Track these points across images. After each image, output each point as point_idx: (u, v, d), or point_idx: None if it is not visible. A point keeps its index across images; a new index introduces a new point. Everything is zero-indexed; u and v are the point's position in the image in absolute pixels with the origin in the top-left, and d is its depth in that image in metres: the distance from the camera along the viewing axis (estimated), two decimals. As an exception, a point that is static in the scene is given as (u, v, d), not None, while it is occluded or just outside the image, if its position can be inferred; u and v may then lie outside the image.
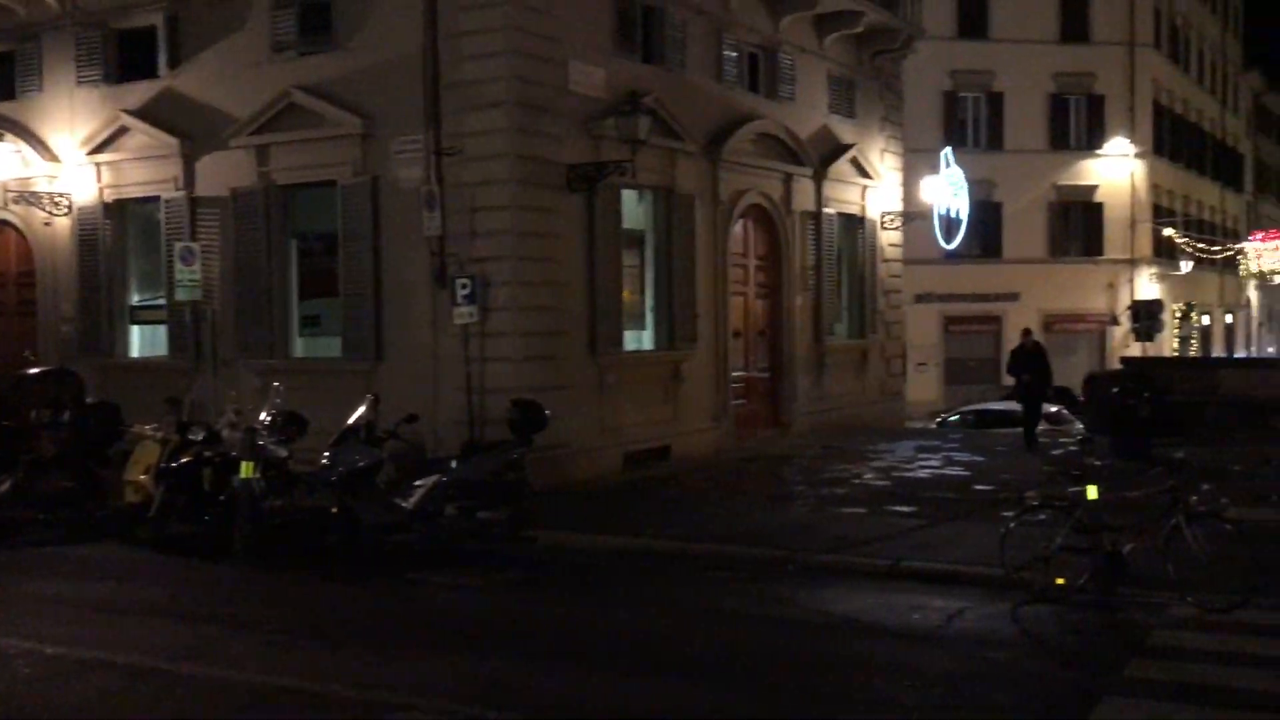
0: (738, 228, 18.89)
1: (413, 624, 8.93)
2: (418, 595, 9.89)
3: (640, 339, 17.09)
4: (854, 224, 21.95)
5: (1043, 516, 9.77)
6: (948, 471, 16.27)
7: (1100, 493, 9.21)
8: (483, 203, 14.44)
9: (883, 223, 22.69)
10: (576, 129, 15.28)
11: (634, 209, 16.92)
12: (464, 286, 14.19)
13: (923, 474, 16.01)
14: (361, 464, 11.15)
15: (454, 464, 11.33)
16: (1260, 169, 58.00)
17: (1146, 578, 8.96)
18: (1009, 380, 20.35)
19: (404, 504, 11.02)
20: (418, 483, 11.11)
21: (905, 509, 13.05)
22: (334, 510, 10.95)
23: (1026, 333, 19.63)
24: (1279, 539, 10.73)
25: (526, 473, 11.34)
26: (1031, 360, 18.50)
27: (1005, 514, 10.34)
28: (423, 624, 8.93)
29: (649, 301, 17.11)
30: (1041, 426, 23.52)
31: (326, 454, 11.31)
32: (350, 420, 11.51)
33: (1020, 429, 19.68)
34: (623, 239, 16.22)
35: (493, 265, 14.40)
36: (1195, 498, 9.57)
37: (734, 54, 18.47)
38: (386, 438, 11.53)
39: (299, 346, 16.57)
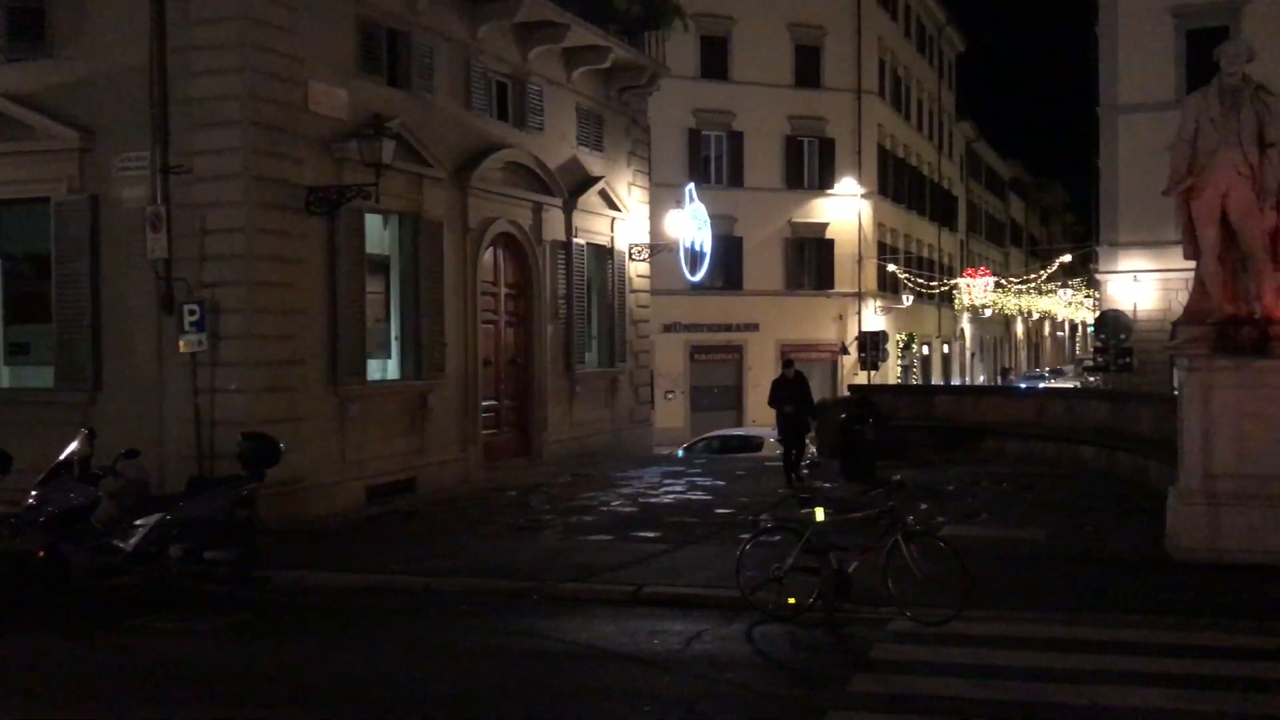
0: (488, 255, 18.82)
1: (131, 676, 8.28)
2: (137, 644, 9.19)
3: (385, 368, 16.68)
4: (603, 254, 22.32)
5: (778, 538, 10.18)
6: (691, 496, 16.71)
7: (827, 514, 9.69)
8: (214, 225, 13.74)
9: (631, 254, 23.19)
10: (318, 151, 14.81)
11: (379, 234, 16.55)
12: (192, 313, 13.43)
13: (668, 499, 16.37)
14: (74, 503, 10.32)
15: (180, 501, 10.66)
16: (972, 210, 63.17)
17: (870, 594, 9.47)
18: (755, 411, 20.96)
19: (122, 545, 10.27)
20: (139, 522, 10.39)
21: (650, 534, 13.29)
22: (40, 554, 10.06)
23: (789, 364, 18.99)
24: (987, 554, 11.61)
25: (258, 510, 10.81)
26: (794, 391, 17.90)
27: (743, 536, 10.69)
28: (142, 675, 8.30)
29: (395, 329, 16.75)
30: (779, 451, 24.63)
31: (34, 493, 10.42)
32: (62, 456, 10.65)
33: (756, 453, 20.43)
34: (367, 265, 15.81)
35: (224, 291, 13.71)
36: (912, 518, 10.22)
37: (483, 82, 18.45)
38: (104, 474, 10.71)
39: (5, 376, 15.23)
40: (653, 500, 16.26)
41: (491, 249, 18.92)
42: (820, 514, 9.53)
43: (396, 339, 16.77)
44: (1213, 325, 11.45)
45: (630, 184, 23.35)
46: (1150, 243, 30.11)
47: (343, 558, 12.11)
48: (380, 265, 16.55)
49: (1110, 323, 28.10)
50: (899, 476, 11.00)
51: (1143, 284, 32.54)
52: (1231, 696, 7.32)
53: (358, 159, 14.65)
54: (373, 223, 16.16)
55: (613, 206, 22.28)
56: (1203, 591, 10.18)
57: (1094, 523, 13.88)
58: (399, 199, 16.15)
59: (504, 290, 19.46)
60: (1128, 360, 27.39)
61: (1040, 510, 14.96)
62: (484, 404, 18.45)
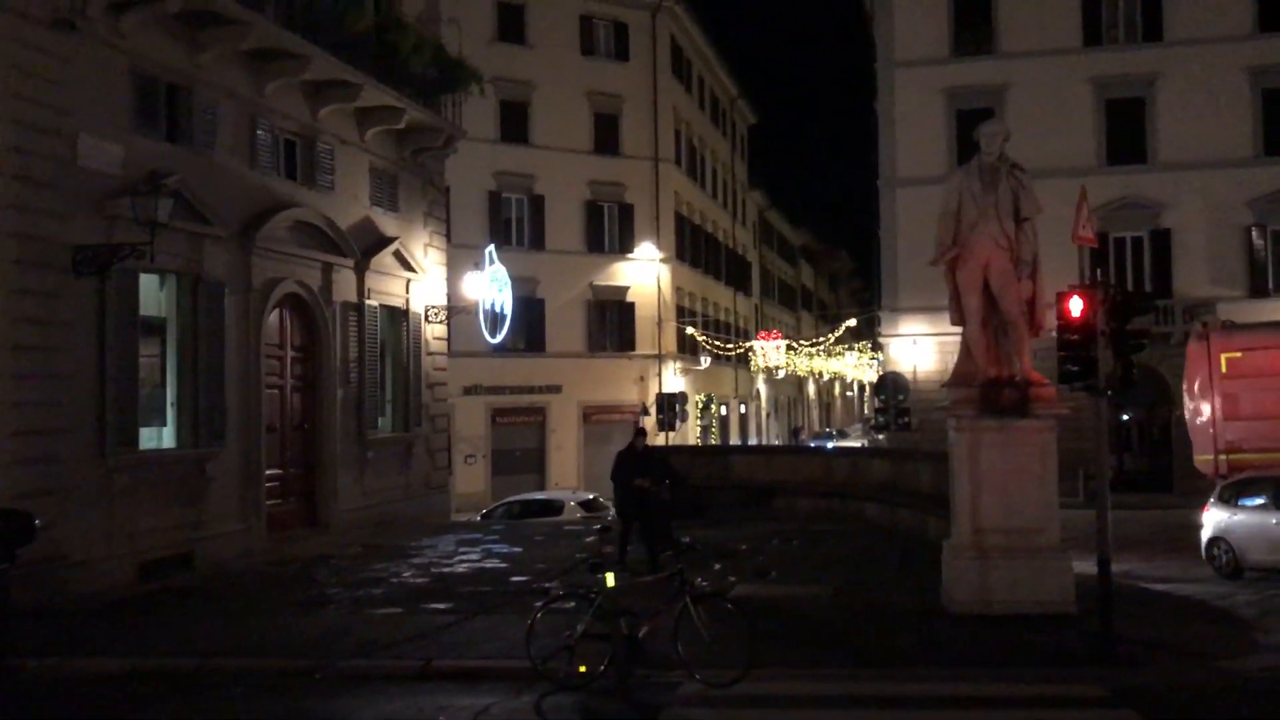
0: (274, 317, 18.15)
1: None
2: None
3: (160, 436, 15.77)
4: (398, 316, 21.90)
5: (571, 605, 10.08)
6: (487, 564, 16.42)
7: (618, 579, 9.67)
8: (-33, 284, 12.74)
9: (427, 316, 22.84)
10: (87, 208, 13.98)
11: (155, 295, 15.73)
12: (-61, 379, 12.37)
13: (462, 568, 16.02)
14: None
15: (-86, 587, 9.70)
16: (765, 275, 65.48)
17: (661, 658, 9.47)
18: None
19: None
20: None
21: (441, 605, 12.95)
22: None
23: (640, 432, 16.01)
24: (776, 612, 11.85)
25: (9, 592, 9.95)
26: (646, 463, 15.33)
27: (536, 604, 10.55)
28: None
29: (171, 395, 15.88)
30: (579, 515, 24.58)
31: None
32: None
33: (557, 518, 20.16)
34: (140, 328, 14.98)
35: (-22, 355, 12.69)
36: (700, 579, 10.32)
37: (270, 139, 17.93)
38: None
39: None
40: (446, 569, 15.88)
41: (278, 310, 18.27)
42: (610, 579, 9.50)
43: (173, 405, 15.90)
44: (978, 387, 12.15)
45: (427, 245, 23.08)
46: (927, 308, 31.82)
47: (107, 640, 11.27)
48: (156, 327, 15.71)
49: (890, 384, 29.48)
50: (689, 539, 11.11)
51: (921, 347, 34.38)
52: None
53: (132, 217, 13.92)
54: (149, 283, 15.35)
55: (408, 267, 21.94)
56: (973, 643, 10.66)
57: (876, 578, 14.39)
58: (177, 258, 15.42)
59: (291, 353, 18.79)
60: (906, 420, 28.74)
61: (827, 567, 15.41)
62: (268, 473, 17.66)
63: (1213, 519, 17.64)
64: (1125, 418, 33.80)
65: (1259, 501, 17.02)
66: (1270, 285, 33.57)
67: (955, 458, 12.32)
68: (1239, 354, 21.95)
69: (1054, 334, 11.65)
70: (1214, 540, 17.39)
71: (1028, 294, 12.24)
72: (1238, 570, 16.86)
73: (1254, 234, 33.54)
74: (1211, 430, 21.74)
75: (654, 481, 15.11)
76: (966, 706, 8.68)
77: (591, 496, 26.70)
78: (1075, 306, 10.71)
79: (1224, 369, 21.91)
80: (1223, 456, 21.37)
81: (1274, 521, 16.44)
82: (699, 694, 9.11)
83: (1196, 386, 22.44)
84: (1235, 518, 17.07)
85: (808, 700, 8.94)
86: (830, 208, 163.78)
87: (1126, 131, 34.20)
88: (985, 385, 12.10)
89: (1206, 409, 21.98)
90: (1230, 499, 17.51)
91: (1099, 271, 11.01)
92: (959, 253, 12.30)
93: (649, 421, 37.58)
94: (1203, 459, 22.14)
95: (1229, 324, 24.06)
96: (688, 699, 9.05)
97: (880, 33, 36.49)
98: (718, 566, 15.00)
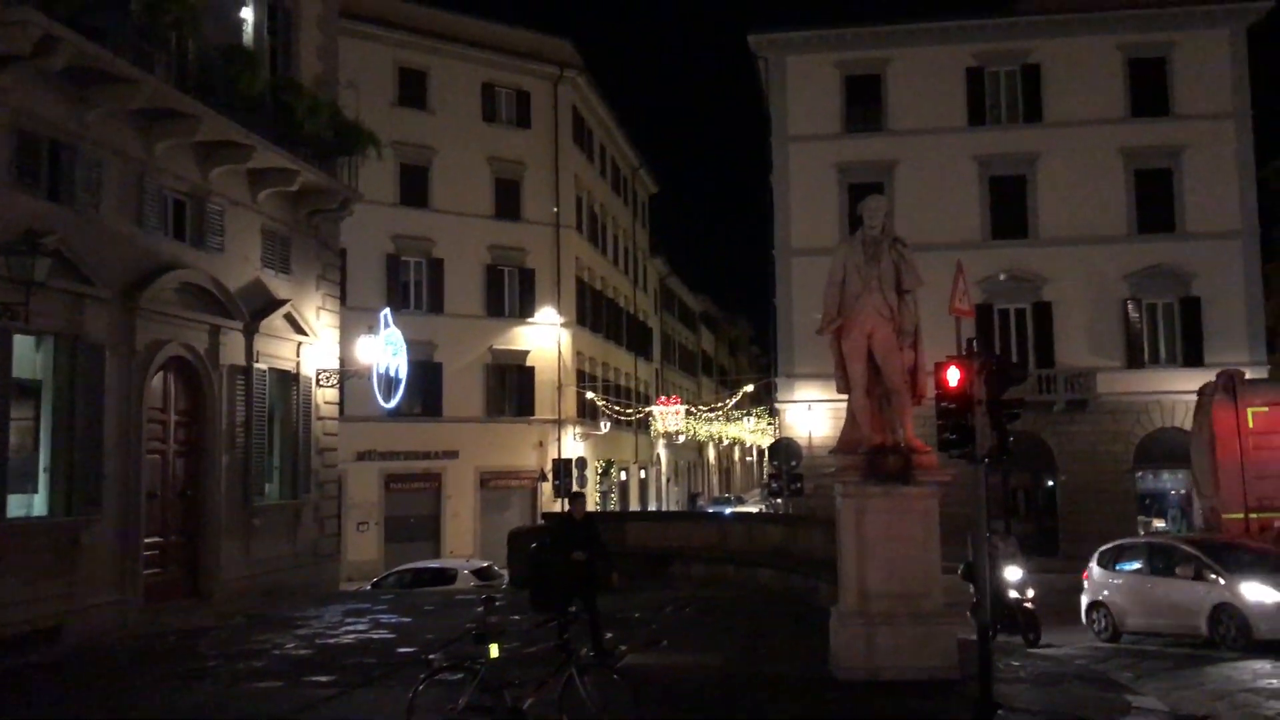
0: (157, 380, 17.66)
1: None
2: None
3: (31, 504, 15.13)
4: (288, 380, 21.48)
5: (457, 677, 9.87)
6: (374, 635, 16.02)
7: (502, 650, 9.51)
8: None
9: (318, 380, 22.45)
10: (-41, 266, 13.49)
11: (30, 356, 15.19)
12: None
13: (348, 639, 15.61)
14: None
15: None
16: (666, 341, 66.04)
17: (545, 730, 9.31)
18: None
19: None
20: None
21: (324, 678, 12.57)
22: None
23: (576, 498, 14.48)
24: (665, 681, 11.78)
25: None
26: (584, 533, 13.59)
27: (420, 676, 10.30)
28: None
29: (44, 460, 15.27)
30: (473, 583, 24.19)
31: None
32: None
33: (450, 586, 19.71)
34: (12, 390, 14.43)
35: None
36: (585, 649, 10.22)
37: (158, 199, 17.56)
38: None
39: None
40: (331, 640, 15.46)
41: (162, 373, 17.79)
42: (494, 650, 9.35)
43: (46, 470, 15.28)
44: (863, 454, 12.37)
45: (320, 308, 22.76)
46: (822, 374, 32.34)
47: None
48: (30, 390, 15.15)
49: (783, 450, 29.85)
50: (573, 608, 11.01)
51: (816, 413, 34.94)
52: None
53: (7, 275, 13.47)
54: (22, 344, 14.82)
55: (299, 330, 21.58)
56: (859, 711, 10.72)
57: (767, 645, 14.42)
58: (55, 319, 14.95)
59: (175, 417, 18.26)
60: (799, 485, 29.10)
61: (718, 634, 15.40)
62: (147, 541, 17.04)
63: (1092, 583, 18.15)
64: (1012, 484, 34.70)
65: (1135, 566, 17.57)
66: (1145, 357, 35.05)
67: (842, 524, 12.49)
68: (1265, 409, 21.52)
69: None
70: (1094, 605, 17.88)
71: (910, 363, 12.56)
72: (1116, 634, 17.32)
73: (1129, 307, 35.05)
74: (1241, 487, 21.10)
75: (592, 555, 13.31)
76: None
77: (486, 564, 26.38)
78: (953, 377, 11.01)
79: (1251, 424, 21.43)
80: (1253, 515, 20.83)
81: (1149, 586, 16.96)
82: (583, 766, 8.98)
83: (1217, 442, 21.70)
84: (1114, 581, 17.57)
85: (693, 771, 8.88)
86: (730, 276, 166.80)
87: (1009, 207, 35.65)
88: (870, 452, 12.33)
89: (1232, 465, 21.35)
90: (1108, 563, 18.05)
91: (973, 343, 11.33)
92: (843, 322, 12.59)
93: (548, 486, 37.35)
94: (1231, 517, 21.31)
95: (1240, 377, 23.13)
96: (572, 772, 8.91)
97: (775, 109, 37.53)
98: (609, 635, 14.87)
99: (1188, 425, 33.87)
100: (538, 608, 17.06)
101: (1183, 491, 35.41)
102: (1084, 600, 18.05)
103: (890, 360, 12.46)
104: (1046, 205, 35.43)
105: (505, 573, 24.86)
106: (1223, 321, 34.26)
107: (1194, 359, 34.19)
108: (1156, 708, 11.30)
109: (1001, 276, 34.84)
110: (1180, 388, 34.51)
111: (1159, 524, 33.53)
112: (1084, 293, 34.91)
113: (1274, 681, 13.11)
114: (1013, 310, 35.39)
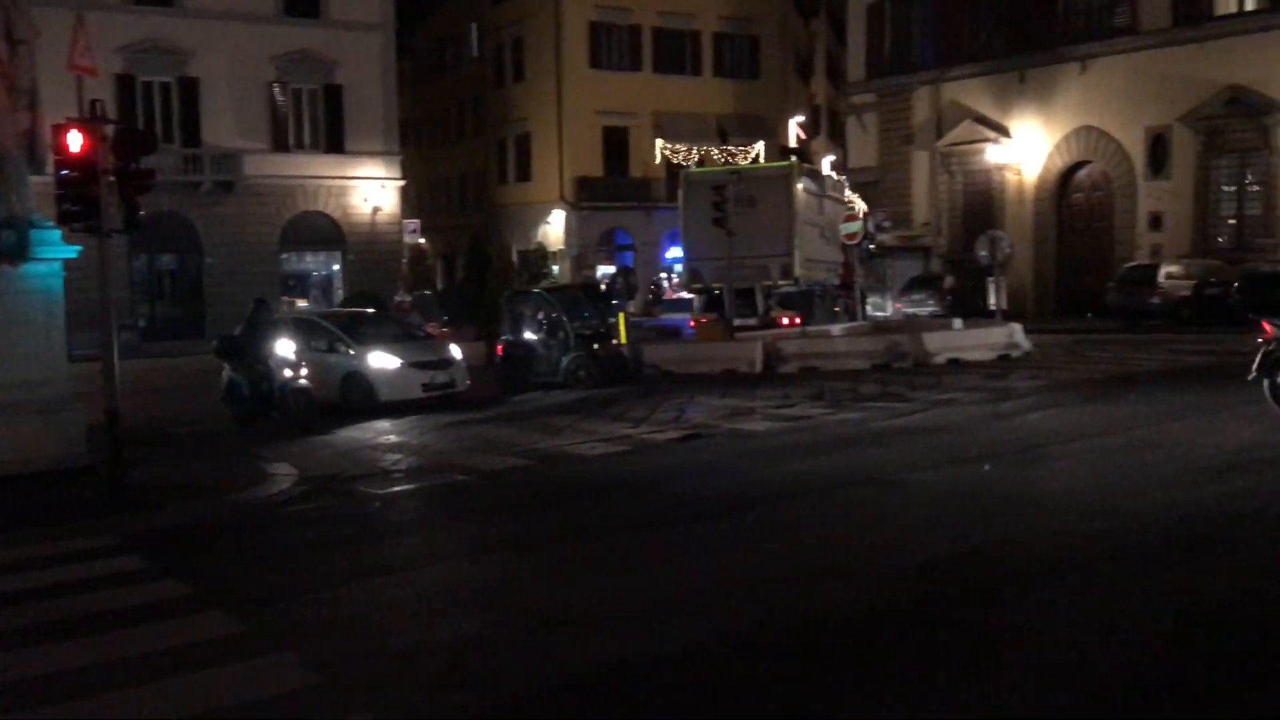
0: None
1: None
2: None
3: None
4: None
5: None
6: None
7: None
8: None
9: None
10: None
11: None
12: None
13: None
14: None
15: None
16: None
17: None
18: None
19: None
20: None
21: None
22: None
23: None
24: None
25: None
26: None
27: None
28: None
29: None
30: None
31: None
32: None
33: None
34: None
35: None
36: None
37: None
38: None
39: None
40: None
41: None
42: None
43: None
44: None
45: None
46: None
47: None
48: None
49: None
50: None
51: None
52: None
53: None
54: None
55: None
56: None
57: None
58: None
59: None
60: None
61: None
62: None
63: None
64: (158, 266, 33.65)
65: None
66: (291, 141, 35.79)
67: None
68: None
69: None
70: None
71: (26, 126, 11.11)
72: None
73: (276, 90, 35.24)
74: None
75: None
76: None
77: None
78: (74, 141, 9.90)
79: None
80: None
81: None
82: None
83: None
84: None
85: None
86: None
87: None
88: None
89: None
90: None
91: (97, 105, 10.25)
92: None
93: None
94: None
95: None
96: None
97: None
98: None
99: (330, 209, 35.82)
100: None
101: (323, 273, 37.57)
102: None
103: (2, 122, 10.87)
104: (194, -28, 33.57)
105: None
106: (362, 111, 36.13)
107: (336, 145, 35.79)
108: (288, 472, 11.90)
109: (142, 46, 32.49)
110: (324, 173, 36.10)
111: (302, 303, 35.01)
112: (232, 71, 34.14)
113: (391, 437, 14.67)
114: (157, 84, 33.39)
